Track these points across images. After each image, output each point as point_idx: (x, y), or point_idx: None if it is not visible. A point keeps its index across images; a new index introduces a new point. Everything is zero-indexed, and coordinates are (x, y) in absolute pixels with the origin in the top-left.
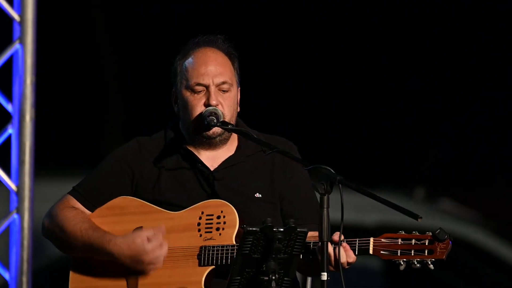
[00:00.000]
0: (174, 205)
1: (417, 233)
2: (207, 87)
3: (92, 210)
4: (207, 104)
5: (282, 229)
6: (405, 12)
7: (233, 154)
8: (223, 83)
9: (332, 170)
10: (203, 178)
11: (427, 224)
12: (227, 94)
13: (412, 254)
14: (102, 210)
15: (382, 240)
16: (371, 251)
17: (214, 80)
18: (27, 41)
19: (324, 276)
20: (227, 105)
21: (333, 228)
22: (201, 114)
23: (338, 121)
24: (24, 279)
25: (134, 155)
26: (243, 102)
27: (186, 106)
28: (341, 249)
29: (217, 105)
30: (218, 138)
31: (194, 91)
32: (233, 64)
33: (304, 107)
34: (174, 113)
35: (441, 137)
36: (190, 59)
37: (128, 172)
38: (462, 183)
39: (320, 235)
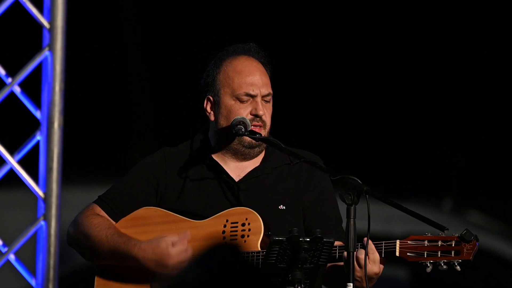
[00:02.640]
0: (198, 215)
1: (443, 235)
2: (253, 97)
3: (116, 220)
4: (254, 114)
5: (308, 239)
6: (440, 26)
7: (258, 166)
8: (268, 94)
9: (359, 181)
10: (227, 188)
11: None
12: (268, 104)
13: (439, 256)
14: (125, 221)
15: (409, 242)
16: (397, 253)
17: (261, 91)
18: (56, 48)
19: (350, 287)
20: (269, 115)
21: (360, 239)
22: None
23: (366, 132)
24: (51, 286)
25: (160, 166)
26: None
27: (229, 115)
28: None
29: (263, 115)
30: (257, 149)
31: (240, 101)
32: (269, 74)
33: (331, 118)
34: (202, 122)
35: (469, 148)
36: (234, 68)
37: (154, 183)
38: (490, 195)
39: (347, 246)
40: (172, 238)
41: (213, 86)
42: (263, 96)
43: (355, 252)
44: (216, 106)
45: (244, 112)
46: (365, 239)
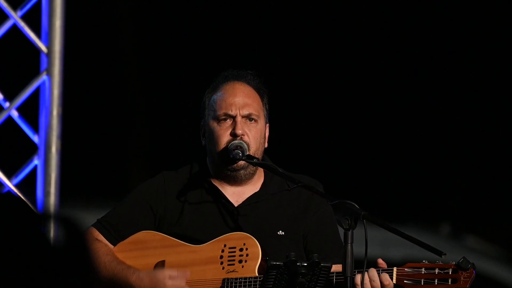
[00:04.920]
0: (196, 240)
1: (441, 263)
2: (233, 118)
3: (114, 243)
4: (233, 134)
5: (305, 264)
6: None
7: (258, 191)
8: (250, 114)
9: (357, 205)
10: (226, 213)
11: (452, 260)
12: (253, 125)
13: (436, 284)
14: (124, 244)
15: (406, 269)
16: (394, 281)
17: (240, 111)
18: (54, 73)
19: None
20: (253, 136)
21: (357, 263)
22: (226, 147)
23: (363, 157)
24: None
25: (159, 190)
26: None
27: (212, 137)
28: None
29: (243, 134)
30: (243, 171)
31: (220, 122)
32: (262, 99)
33: (330, 142)
34: (201, 147)
35: (466, 174)
36: (218, 92)
37: (152, 207)
38: (488, 220)
39: (344, 270)
40: (171, 272)
41: (203, 113)
42: (243, 116)
43: (354, 279)
44: (206, 131)
45: (224, 133)
46: (366, 273)
